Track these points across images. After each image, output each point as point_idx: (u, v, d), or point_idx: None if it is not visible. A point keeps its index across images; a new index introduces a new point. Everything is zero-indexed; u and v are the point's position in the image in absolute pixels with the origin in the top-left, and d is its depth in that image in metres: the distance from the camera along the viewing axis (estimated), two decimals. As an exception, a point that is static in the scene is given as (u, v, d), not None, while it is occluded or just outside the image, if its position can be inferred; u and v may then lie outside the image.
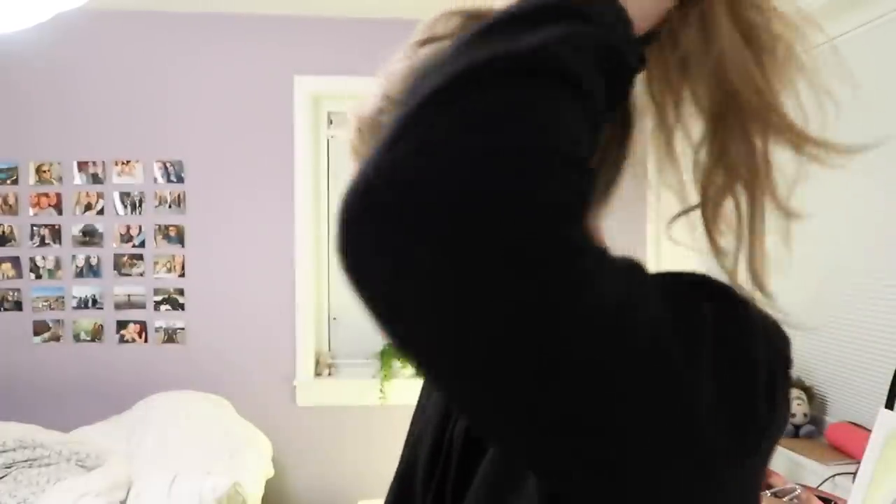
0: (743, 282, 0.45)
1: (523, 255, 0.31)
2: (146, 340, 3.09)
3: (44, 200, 3.07)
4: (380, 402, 3.02)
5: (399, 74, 0.52)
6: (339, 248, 0.33)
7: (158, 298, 3.09)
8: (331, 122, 3.24)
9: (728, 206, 0.46)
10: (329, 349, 3.25)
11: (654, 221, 2.87)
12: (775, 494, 1.63)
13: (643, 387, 0.34)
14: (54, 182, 3.07)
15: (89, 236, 3.08)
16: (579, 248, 0.32)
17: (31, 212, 3.07)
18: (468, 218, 0.31)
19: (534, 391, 0.32)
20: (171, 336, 3.10)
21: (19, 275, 3.07)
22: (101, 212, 3.08)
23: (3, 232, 3.06)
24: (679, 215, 0.48)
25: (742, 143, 0.45)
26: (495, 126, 0.32)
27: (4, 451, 2.54)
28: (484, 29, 0.37)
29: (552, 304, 0.31)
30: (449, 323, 0.32)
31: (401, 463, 0.66)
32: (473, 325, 0.31)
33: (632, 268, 0.36)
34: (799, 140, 0.44)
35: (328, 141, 3.24)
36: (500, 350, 0.32)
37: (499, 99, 0.33)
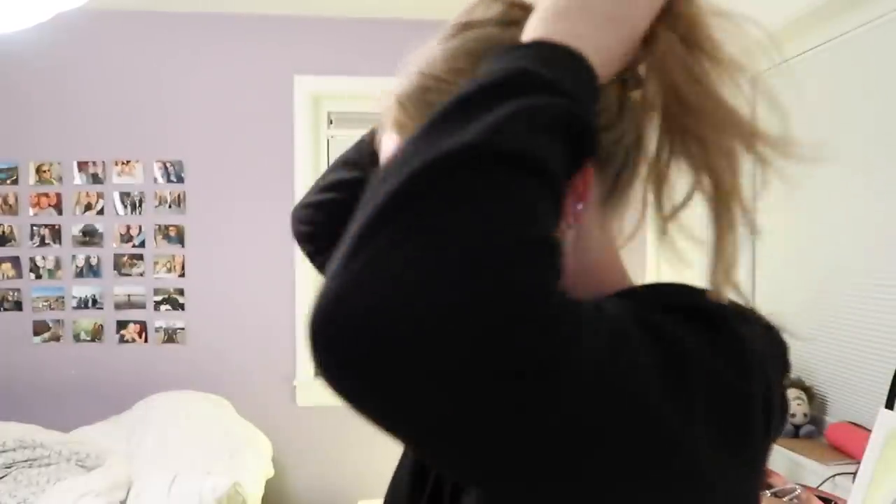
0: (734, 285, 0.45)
1: (497, 349, 0.31)
2: (146, 340, 3.09)
3: (44, 200, 3.07)
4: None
5: (438, 56, 0.51)
6: (312, 357, 0.33)
7: (158, 298, 3.09)
8: (331, 122, 3.24)
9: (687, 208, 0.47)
10: (329, 349, 3.24)
11: (654, 227, 2.86)
12: (775, 494, 1.63)
13: (632, 439, 0.35)
14: (54, 182, 3.07)
15: (89, 236, 3.08)
16: (554, 321, 0.33)
17: (31, 212, 3.07)
18: (433, 333, 0.31)
19: (525, 454, 0.33)
20: (171, 336, 3.10)
21: (19, 275, 3.07)
22: (101, 212, 3.08)
23: (3, 232, 3.06)
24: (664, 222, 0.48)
25: (695, 143, 0.45)
26: (444, 232, 0.32)
27: (4, 451, 2.54)
28: (434, 120, 0.37)
29: (542, 379, 0.32)
30: (442, 422, 0.32)
31: (399, 464, 0.66)
32: (470, 418, 0.32)
33: (614, 319, 0.36)
34: (748, 137, 0.44)
35: (328, 141, 3.24)
36: (495, 427, 0.33)
37: (444, 201, 0.33)
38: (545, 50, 0.41)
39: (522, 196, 0.34)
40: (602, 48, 0.42)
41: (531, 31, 0.43)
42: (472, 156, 0.34)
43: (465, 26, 0.52)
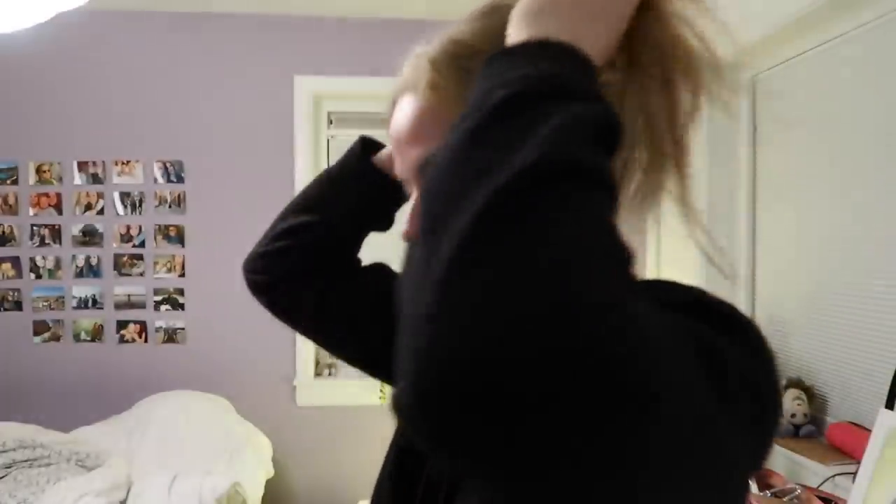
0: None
1: (613, 376, 0.30)
2: (146, 340, 3.09)
3: (44, 200, 3.07)
4: (380, 402, 3.02)
5: (469, 30, 0.52)
6: (422, 421, 0.31)
7: (158, 298, 3.09)
8: (331, 122, 3.24)
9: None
10: (329, 349, 3.24)
11: (653, 225, 2.86)
12: (775, 494, 1.63)
13: (690, 439, 0.34)
14: (54, 182, 3.07)
15: (89, 236, 3.08)
16: (645, 341, 0.32)
17: (31, 212, 3.07)
18: (558, 367, 0.29)
19: (596, 464, 0.32)
20: (171, 336, 3.10)
21: (19, 275, 3.07)
22: (101, 212, 3.08)
23: (3, 232, 3.06)
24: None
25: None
26: (539, 263, 0.31)
27: (4, 451, 2.54)
28: (473, 139, 0.36)
29: (643, 397, 0.31)
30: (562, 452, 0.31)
31: (381, 472, 0.66)
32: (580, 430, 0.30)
33: (666, 324, 0.36)
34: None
35: (328, 141, 3.24)
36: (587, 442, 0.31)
37: (531, 230, 0.32)
38: (555, 50, 0.40)
39: (600, 212, 0.34)
40: (593, 43, 0.42)
41: (522, 28, 0.42)
42: (543, 175, 0.33)
43: (495, 8, 0.53)
